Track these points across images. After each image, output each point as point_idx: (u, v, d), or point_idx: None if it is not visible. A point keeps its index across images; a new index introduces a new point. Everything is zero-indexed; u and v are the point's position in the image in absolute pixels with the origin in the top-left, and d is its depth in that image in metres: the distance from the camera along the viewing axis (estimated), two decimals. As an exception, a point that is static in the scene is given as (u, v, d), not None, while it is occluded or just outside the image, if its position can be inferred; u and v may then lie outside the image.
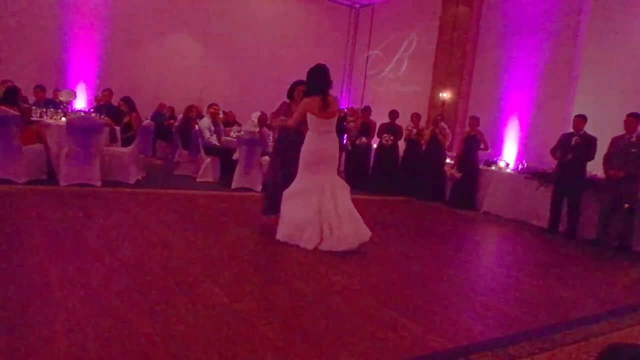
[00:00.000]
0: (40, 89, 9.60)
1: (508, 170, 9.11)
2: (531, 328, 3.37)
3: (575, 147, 7.34)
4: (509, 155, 10.33)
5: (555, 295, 4.31)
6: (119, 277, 3.42)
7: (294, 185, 5.04)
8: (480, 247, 6.63)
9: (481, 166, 9.39)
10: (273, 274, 3.95)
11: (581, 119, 7.42)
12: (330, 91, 5.08)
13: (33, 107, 7.99)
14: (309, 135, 5.06)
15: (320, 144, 4.99)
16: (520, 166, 8.99)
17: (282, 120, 5.40)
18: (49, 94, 9.66)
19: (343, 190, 5.06)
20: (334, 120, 5.07)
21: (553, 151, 7.71)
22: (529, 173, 8.46)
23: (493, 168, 9.31)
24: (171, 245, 4.42)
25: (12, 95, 6.78)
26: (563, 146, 7.52)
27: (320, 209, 4.81)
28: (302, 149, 5.05)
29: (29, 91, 9.38)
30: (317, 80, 5.01)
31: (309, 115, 4.97)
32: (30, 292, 2.97)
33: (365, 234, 5.01)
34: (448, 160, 9.76)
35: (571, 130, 7.66)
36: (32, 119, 7.30)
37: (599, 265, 5.86)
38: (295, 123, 5.12)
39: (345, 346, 2.74)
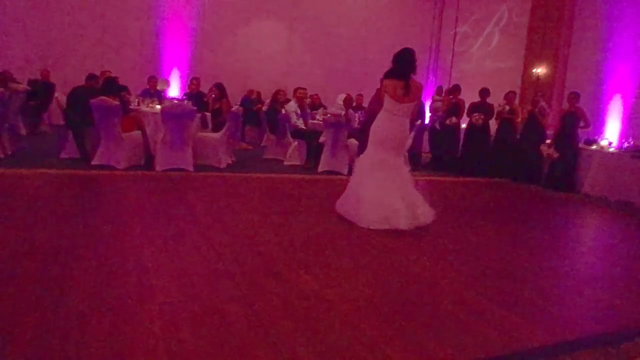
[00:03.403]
0: (153, 79, 10.09)
1: (611, 149, 8.45)
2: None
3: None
4: (612, 133, 9.57)
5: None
6: (209, 261, 3.50)
7: (361, 160, 5.14)
8: (582, 233, 6.18)
9: (581, 145, 8.75)
10: (359, 260, 3.88)
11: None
12: (415, 77, 5.05)
13: (131, 97, 8.42)
14: (380, 114, 5.06)
15: (390, 124, 4.99)
16: (625, 144, 8.31)
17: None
18: (144, 84, 10.11)
19: (406, 174, 5.09)
20: (411, 105, 5.03)
21: None
22: (636, 151, 7.79)
23: (594, 147, 8.65)
24: (260, 229, 4.47)
25: (111, 85, 7.16)
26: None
27: (385, 188, 4.83)
28: (372, 127, 5.11)
29: (127, 81, 9.88)
30: (400, 65, 4.99)
31: (386, 97, 4.98)
32: (129, 273, 3.11)
33: (431, 213, 4.96)
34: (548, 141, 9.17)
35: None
36: (130, 107, 7.69)
37: None
38: (377, 104, 5.15)
39: (437, 337, 2.62)
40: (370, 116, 5.50)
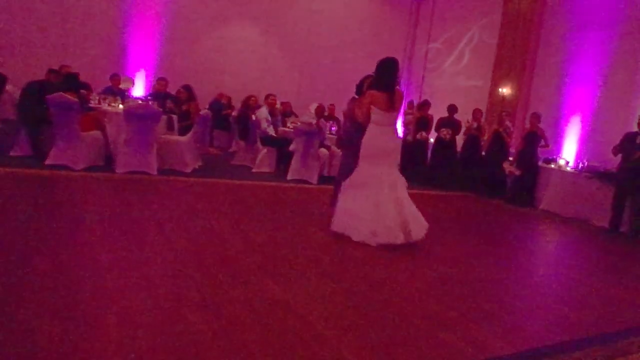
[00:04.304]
0: (115, 77, 9.62)
1: (568, 169, 8.86)
2: (595, 333, 3.19)
3: (640, 146, 6.95)
4: (569, 153, 10.01)
5: (620, 299, 4.10)
6: (173, 268, 3.31)
7: (353, 177, 4.96)
8: (540, 247, 6.41)
9: (540, 163, 9.16)
10: (328, 269, 3.81)
11: (647, 118, 7.04)
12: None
13: (92, 94, 7.96)
14: (369, 128, 4.94)
15: (380, 136, 4.89)
16: (580, 164, 8.70)
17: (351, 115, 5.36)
18: (107, 81, 9.64)
19: (402, 186, 4.95)
20: (396, 114, 5.02)
21: (615, 150, 7.44)
22: (590, 172, 8.17)
23: (552, 166, 9.09)
24: (226, 236, 4.29)
25: (72, 82, 6.75)
26: (627, 145, 7.19)
27: (377, 203, 4.68)
28: (363, 141, 4.95)
29: (89, 78, 9.39)
30: (386, 76, 4.90)
31: (373, 109, 4.87)
32: (84, 280, 2.89)
33: (423, 228, 4.85)
34: (510, 159, 9.41)
35: (636, 129, 7.26)
36: (90, 105, 7.26)
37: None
38: (365, 118, 4.94)
39: (403, 347, 2.61)
40: (357, 129, 5.22)
